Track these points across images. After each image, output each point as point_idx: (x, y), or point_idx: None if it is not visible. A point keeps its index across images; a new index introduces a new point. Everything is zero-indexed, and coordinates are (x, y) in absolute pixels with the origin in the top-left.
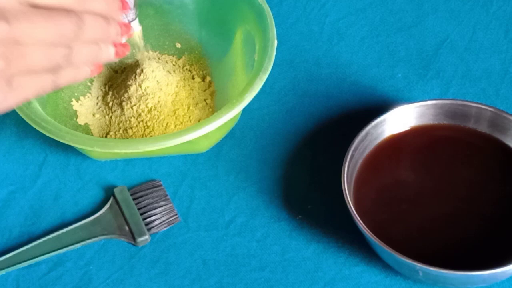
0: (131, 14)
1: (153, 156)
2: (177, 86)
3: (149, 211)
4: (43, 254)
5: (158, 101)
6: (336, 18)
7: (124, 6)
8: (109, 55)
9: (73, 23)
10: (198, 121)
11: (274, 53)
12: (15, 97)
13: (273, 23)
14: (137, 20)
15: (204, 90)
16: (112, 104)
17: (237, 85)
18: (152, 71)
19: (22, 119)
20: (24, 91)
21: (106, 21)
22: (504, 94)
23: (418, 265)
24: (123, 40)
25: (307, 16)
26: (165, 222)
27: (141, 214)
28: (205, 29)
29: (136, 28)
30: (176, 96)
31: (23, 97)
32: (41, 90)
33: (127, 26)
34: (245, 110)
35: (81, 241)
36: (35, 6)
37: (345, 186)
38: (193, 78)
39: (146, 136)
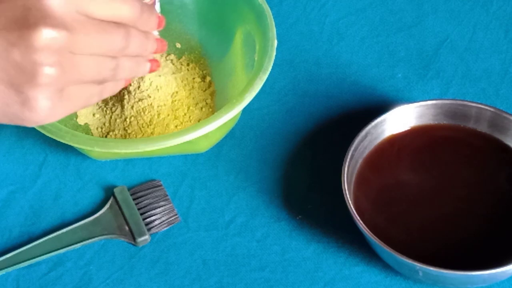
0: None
1: (153, 156)
2: (177, 86)
3: (149, 211)
4: (43, 254)
5: (158, 101)
6: (336, 18)
7: (160, 24)
8: (145, 70)
9: (123, 37)
10: (198, 121)
11: (274, 53)
12: (64, 108)
13: (273, 23)
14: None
15: (204, 90)
16: (112, 104)
17: (237, 85)
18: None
19: None
20: (73, 103)
21: (146, 36)
22: (504, 94)
23: (418, 265)
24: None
25: (307, 16)
26: (165, 222)
27: (141, 214)
28: (205, 29)
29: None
30: (176, 96)
31: (71, 108)
32: (88, 102)
33: (162, 43)
34: (245, 110)
35: (81, 241)
36: (90, 17)
37: (345, 186)
38: (193, 78)
39: (146, 136)
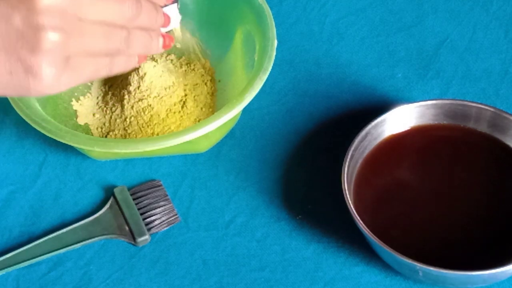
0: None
1: (153, 156)
2: (177, 86)
3: (149, 211)
4: (43, 254)
5: (158, 101)
6: (336, 18)
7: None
8: (158, 45)
9: (133, 5)
10: (198, 121)
11: (274, 53)
12: (69, 77)
13: (273, 23)
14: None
15: (204, 90)
16: (112, 104)
17: (237, 85)
18: (152, 71)
19: (22, 119)
20: (79, 73)
21: (155, 7)
22: (504, 94)
23: (418, 265)
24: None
25: (307, 16)
26: (165, 222)
27: (141, 214)
28: (205, 29)
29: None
30: (176, 96)
31: (77, 78)
32: (96, 74)
33: (167, 17)
34: (245, 110)
35: (81, 241)
36: None
37: (345, 186)
38: (193, 78)
39: (146, 136)
